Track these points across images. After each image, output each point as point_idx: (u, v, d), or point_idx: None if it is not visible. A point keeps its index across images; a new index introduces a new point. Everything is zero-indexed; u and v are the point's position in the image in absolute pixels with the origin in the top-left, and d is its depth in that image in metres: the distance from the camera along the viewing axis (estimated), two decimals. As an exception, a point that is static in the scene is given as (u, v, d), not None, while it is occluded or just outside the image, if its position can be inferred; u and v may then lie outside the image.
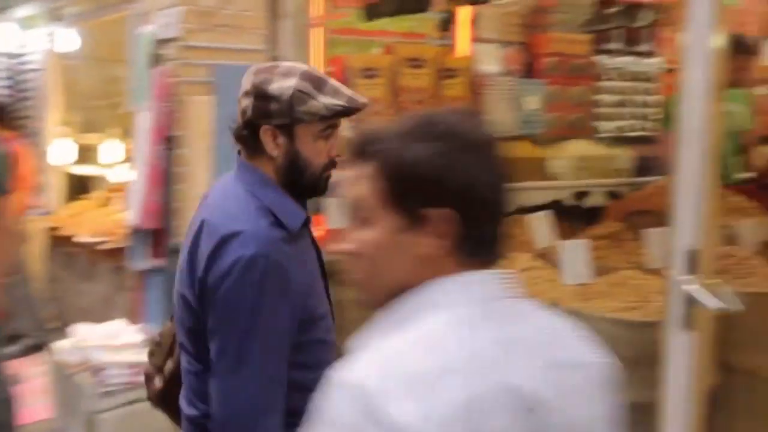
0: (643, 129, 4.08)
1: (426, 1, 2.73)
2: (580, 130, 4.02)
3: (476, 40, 3.72)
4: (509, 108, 3.73)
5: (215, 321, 1.34)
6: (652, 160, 3.96)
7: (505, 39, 3.80)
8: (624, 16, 2.18)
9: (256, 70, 1.42)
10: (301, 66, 1.43)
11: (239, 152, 1.46)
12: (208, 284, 1.32)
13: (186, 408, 1.46)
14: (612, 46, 3.99)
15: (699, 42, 1.83)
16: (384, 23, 3.92)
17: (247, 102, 1.40)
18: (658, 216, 2.78)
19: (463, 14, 3.66)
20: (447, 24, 2.86)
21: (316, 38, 3.34)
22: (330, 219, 3.21)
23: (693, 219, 1.91)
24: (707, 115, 1.83)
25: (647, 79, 4.07)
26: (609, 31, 3.98)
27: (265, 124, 1.38)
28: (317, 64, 3.34)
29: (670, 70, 4.16)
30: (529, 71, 3.86)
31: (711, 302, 1.93)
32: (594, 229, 2.91)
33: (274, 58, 3.27)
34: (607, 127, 4.05)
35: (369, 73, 3.46)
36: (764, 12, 4.62)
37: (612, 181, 3.94)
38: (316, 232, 1.60)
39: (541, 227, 2.85)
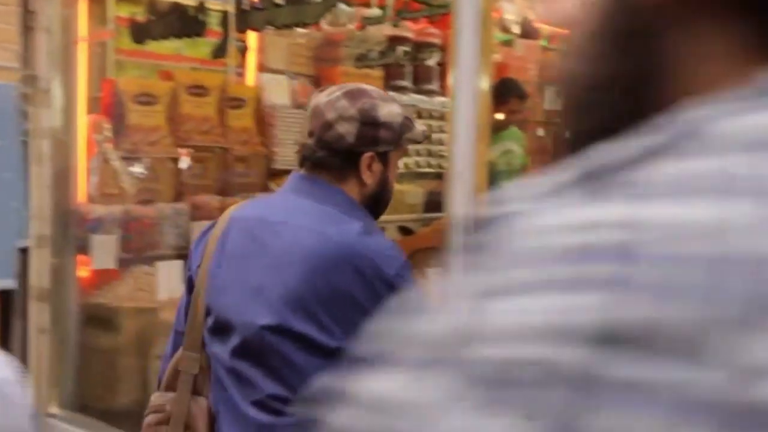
0: (433, 165, 4.14)
1: (200, 25, 2.52)
2: (374, 165, 3.98)
3: (264, 69, 3.55)
4: (300, 142, 3.59)
5: None
6: (441, 195, 4.03)
7: (294, 71, 3.67)
8: (413, 53, 2.16)
9: (348, 93, 1.35)
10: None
11: (305, 173, 1.38)
12: None
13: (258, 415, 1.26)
14: (402, 83, 4.01)
15: (466, 84, 1.81)
16: (178, 47, 3.64)
17: (348, 127, 1.32)
18: (441, 253, 2.78)
19: (250, 42, 3.48)
20: (222, 51, 2.67)
21: (82, 57, 2.99)
22: (95, 259, 2.89)
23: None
24: (475, 156, 1.81)
25: (437, 117, 4.14)
26: (401, 69, 4.00)
27: (369, 150, 1.34)
28: (82, 85, 2.99)
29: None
30: (321, 105, 3.76)
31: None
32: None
33: (30, 77, 2.88)
34: (398, 163, 4.05)
35: (145, 99, 3.15)
36: (542, 59, 4.95)
37: (404, 217, 3.94)
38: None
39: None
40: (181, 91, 3.21)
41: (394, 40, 3.65)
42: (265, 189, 3.49)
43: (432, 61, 3.53)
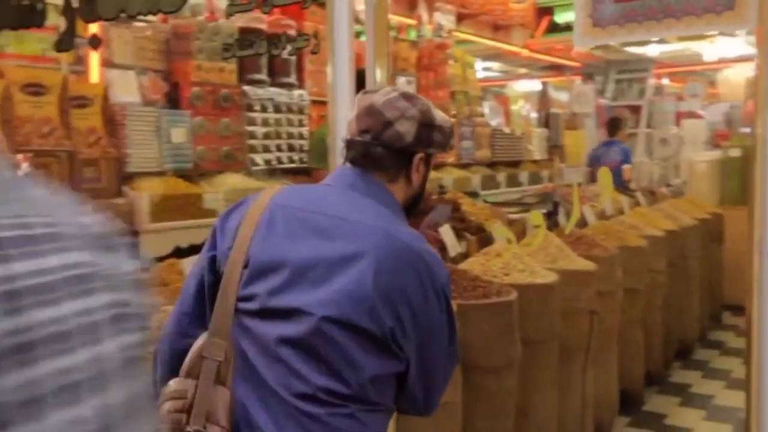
0: (295, 161, 4.06)
1: (39, 16, 2.26)
2: (233, 163, 3.83)
3: (109, 65, 3.30)
4: (153, 141, 3.38)
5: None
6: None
7: (143, 65, 3.44)
8: (266, 45, 2.07)
9: (404, 94, 1.40)
10: None
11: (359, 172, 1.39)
12: None
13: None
14: (258, 76, 3.89)
15: (342, 78, 1.77)
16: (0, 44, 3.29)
17: (408, 127, 1.37)
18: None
19: (92, 33, 3.21)
20: (66, 44, 2.43)
21: None
22: None
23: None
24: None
25: (297, 111, 4.07)
26: (256, 62, 3.88)
27: (422, 151, 1.39)
28: None
29: (315, 102, 4.23)
30: (173, 101, 3.56)
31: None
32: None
33: None
34: (260, 159, 3.93)
35: (-29, 100, 2.82)
36: (393, 50, 5.02)
37: (269, 215, 3.84)
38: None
39: (195, 274, 2.56)
40: (15, 91, 2.90)
41: (248, 32, 3.53)
42: (119, 194, 3.26)
43: (286, 53, 3.45)
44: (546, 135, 7.17)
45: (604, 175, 4.31)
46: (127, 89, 3.34)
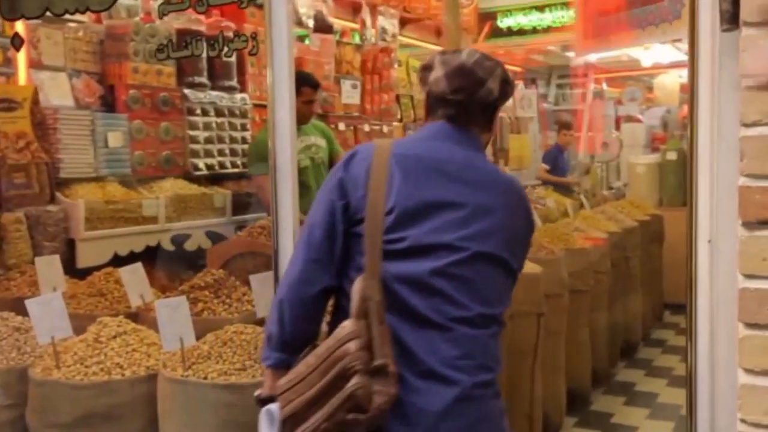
0: (238, 165, 3.96)
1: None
2: (174, 168, 3.72)
3: (38, 66, 3.15)
4: (88, 146, 3.24)
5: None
6: (249, 197, 3.87)
7: (75, 67, 3.30)
8: (203, 46, 2.00)
9: (484, 55, 1.59)
10: None
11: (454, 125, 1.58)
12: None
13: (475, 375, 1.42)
14: (199, 79, 3.78)
15: (282, 80, 1.72)
16: None
17: (495, 84, 1.57)
18: (264, 258, 2.64)
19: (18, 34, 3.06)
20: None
21: None
22: None
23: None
24: (294, 151, 1.73)
25: (239, 115, 3.97)
26: (196, 65, 3.78)
27: (501, 103, 1.61)
28: None
29: (257, 106, 4.14)
30: (109, 105, 3.42)
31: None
32: (194, 278, 2.63)
33: None
34: (201, 164, 3.82)
35: None
36: (337, 54, 4.97)
37: (211, 222, 3.73)
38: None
39: (133, 282, 2.46)
40: (-64, 94, 2.74)
41: (185, 33, 3.42)
42: (52, 201, 3.11)
43: (225, 56, 3.36)
44: (495, 138, 7.22)
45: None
46: (59, 92, 3.20)
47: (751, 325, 1.08)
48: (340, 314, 1.46)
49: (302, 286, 1.49)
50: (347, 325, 1.39)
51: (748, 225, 1.08)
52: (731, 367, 1.19)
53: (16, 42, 2.35)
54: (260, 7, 3.15)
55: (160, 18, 1.99)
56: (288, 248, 1.76)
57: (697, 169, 1.41)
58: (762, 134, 1.05)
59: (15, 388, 2.17)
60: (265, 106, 4.17)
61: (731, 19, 1.17)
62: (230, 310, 2.47)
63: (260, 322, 2.15)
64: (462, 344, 1.40)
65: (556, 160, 7.04)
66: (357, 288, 1.41)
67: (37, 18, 2.14)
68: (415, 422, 1.39)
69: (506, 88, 1.60)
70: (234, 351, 2.01)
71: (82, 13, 1.95)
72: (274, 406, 1.46)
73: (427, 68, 1.62)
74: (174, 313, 1.96)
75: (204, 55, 3.43)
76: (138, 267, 2.51)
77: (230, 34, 1.99)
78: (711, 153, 1.37)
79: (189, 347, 2.02)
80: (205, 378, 1.93)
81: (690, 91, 1.48)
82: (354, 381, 1.34)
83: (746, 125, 1.06)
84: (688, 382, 1.44)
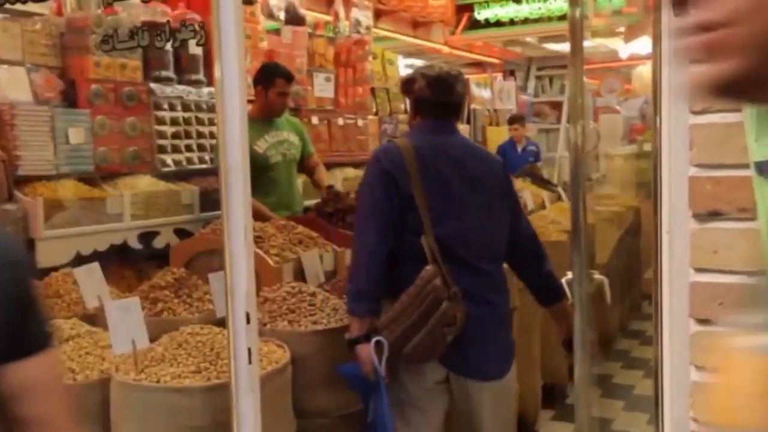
0: (206, 161, 3.88)
1: None
2: (141, 164, 3.63)
3: (-6, 60, 3.05)
4: (48, 142, 3.15)
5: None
6: (217, 193, 3.79)
7: (33, 61, 3.20)
8: (148, 36, 1.93)
9: (449, 68, 2.35)
10: None
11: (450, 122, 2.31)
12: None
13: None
14: (165, 73, 3.69)
15: (232, 75, 1.65)
16: None
17: (461, 88, 2.29)
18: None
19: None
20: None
21: None
22: None
23: (245, 258, 1.70)
24: (245, 149, 1.67)
25: (206, 109, 3.89)
26: (162, 58, 3.69)
27: (465, 102, 2.53)
28: None
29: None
30: (70, 100, 3.33)
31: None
32: (154, 278, 2.56)
33: None
34: (169, 160, 3.74)
35: None
36: (309, 46, 4.89)
37: (179, 219, 3.65)
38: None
39: (88, 282, 2.38)
40: None
41: (150, 26, 3.33)
42: (10, 199, 3.02)
43: (172, 45, 3.27)
44: (468, 131, 7.18)
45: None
46: (16, 87, 3.10)
47: (701, 321, 1.04)
48: (406, 264, 2.08)
49: (380, 248, 2.07)
50: (429, 269, 2.03)
51: (699, 217, 1.04)
52: (686, 364, 1.14)
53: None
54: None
55: (105, 7, 1.92)
56: (239, 248, 1.69)
57: (660, 158, 1.37)
58: (711, 122, 1.00)
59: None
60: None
61: (679, 1, 1.12)
62: (191, 309, 2.41)
63: (220, 322, 2.08)
64: (488, 279, 2.16)
65: (505, 155, 7.02)
66: (425, 243, 2.05)
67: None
68: (481, 326, 2.09)
69: (466, 89, 2.26)
70: (189, 353, 1.94)
71: (24, 2, 1.87)
72: (380, 337, 2.03)
73: (411, 81, 2.26)
74: (125, 315, 1.90)
75: (168, 47, 3.35)
76: (95, 267, 2.44)
77: (177, 25, 1.92)
78: (669, 141, 1.33)
79: (143, 350, 1.96)
80: (158, 381, 1.86)
81: (653, 79, 1.44)
82: (444, 305, 2.01)
83: (695, 113, 1.02)
84: (655, 377, 1.40)
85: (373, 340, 2.02)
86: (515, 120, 7.23)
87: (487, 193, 2.20)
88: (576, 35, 1.88)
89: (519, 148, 7.11)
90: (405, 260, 2.09)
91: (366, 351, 2.03)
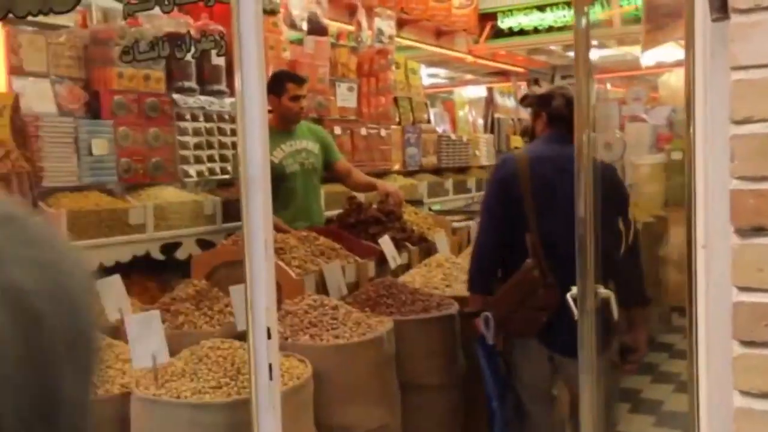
0: (229, 172, 3.87)
1: None
2: (164, 175, 3.63)
3: (19, 73, 3.07)
4: (71, 154, 3.15)
5: None
6: (239, 203, 3.77)
7: (58, 74, 3.21)
8: (169, 47, 1.92)
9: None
10: None
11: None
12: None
13: None
14: (188, 84, 3.69)
15: (252, 85, 1.62)
16: None
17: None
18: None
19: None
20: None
21: None
22: None
23: (265, 272, 1.67)
24: (266, 160, 1.64)
25: (228, 120, 3.88)
26: (184, 69, 3.69)
27: None
28: None
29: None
30: (94, 111, 3.34)
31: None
32: (175, 290, 2.54)
33: None
34: (192, 170, 3.73)
35: None
36: (332, 56, 4.88)
37: (202, 230, 3.64)
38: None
39: (110, 295, 2.37)
40: None
41: (171, 37, 3.32)
42: (35, 210, 3.02)
43: (192, 56, 3.26)
44: (492, 140, 7.12)
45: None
46: (41, 99, 3.11)
47: (747, 343, 0.98)
48: (514, 256, 2.47)
49: (496, 242, 2.53)
50: (528, 263, 2.43)
51: (741, 232, 0.98)
52: (727, 387, 1.08)
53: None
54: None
55: (124, 18, 1.91)
56: (260, 262, 1.66)
57: (694, 168, 1.31)
58: (753, 133, 0.94)
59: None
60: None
61: (721, 6, 1.07)
62: (212, 322, 2.38)
63: (242, 335, 2.05)
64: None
65: None
66: (528, 240, 2.43)
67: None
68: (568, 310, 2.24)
69: None
70: (209, 368, 1.91)
71: (45, 14, 1.87)
72: (488, 314, 2.47)
73: (549, 97, 2.68)
74: (145, 329, 1.87)
75: (188, 57, 3.35)
76: (116, 279, 2.42)
77: (197, 35, 1.90)
78: (704, 152, 1.27)
79: (163, 364, 1.93)
80: (178, 397, 1.84)
81: (686, 87, 1.38)
82: (540, 292, 2.41)
83: (736, 122, 0.96)
84: (690, 402, 1.34)
85: (482, 315, 2.48)
86: (524, 132, 7.17)
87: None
88: (580, 45, 1.82)
89: None
90: (514, 253, 2.48)
91: (478, 323, 2.51)
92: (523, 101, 3.20)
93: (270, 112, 3.67)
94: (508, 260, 2.54)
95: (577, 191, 1.95)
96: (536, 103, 2.73)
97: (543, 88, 2.95)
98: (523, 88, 8.89)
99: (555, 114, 2.61)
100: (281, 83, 3.74)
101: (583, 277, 1.84)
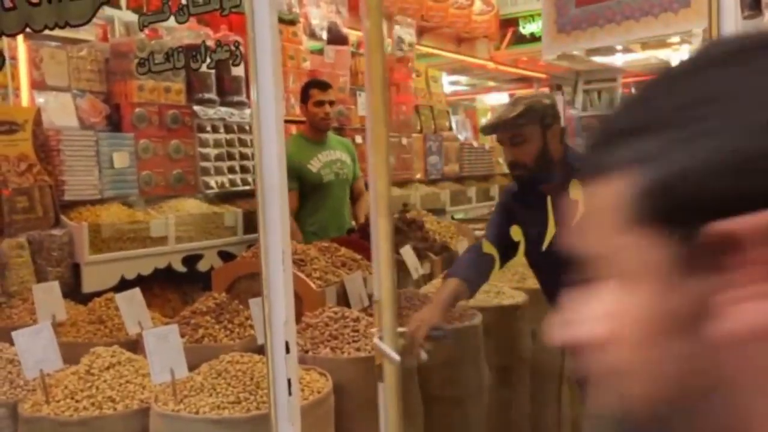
0: (249, 183, 3.86)
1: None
2: (185, 186, 3.63)
3: (41, 87, 3.09)
4: (93, 167, 3.16)
5: None
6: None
7: (79, 87, 3.23)
8: (184, 58, 1.91)
9: None
10: None
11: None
12: None
13: None
14: (208, 95, 3.69)
15: (267, 96, 1.60)
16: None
17: None
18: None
19: (21, 54, 3.01)
20: None
21: None
22: None
23: (283, 285, 1.64)
24: (282, 170, 1.61)
25: (248, 130, 3.88)
26: (204, 80, 3.69)
27: None
28: None
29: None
30: (115, 124, 3.35)
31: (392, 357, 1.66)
32: (196, 302, 2.51)
33: None
34: (213, 182, 3.73)
35: None
36: (352, 65, 4.86)
37: (223, 241, 3.63)
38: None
39: (130, 308, 2.35)
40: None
41: (186, 48, 3.32)
42: (56, 224, 3.03)
43: (208, 67, 3.26)
44: (515, 147, 7.05)
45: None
46: (63, 112, 3.13)
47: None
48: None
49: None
50: None
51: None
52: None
53: (-1, 60, 2.29)
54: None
55: (141, 30, 1.90)
56: (277, 275, 1.63)
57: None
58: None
59: (8, 425, 2.07)
60: (298, 122, 4.09)
61: (753, 3, 1.01)
62: (232, 336, 2.35)
63: (262, 349, 2.02)
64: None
65: None
66: None
67: (16, 35, 2.07)
68: None
69: None
70: (228, 382, 1.88)
71: (62, 28, 1.87)
72: None
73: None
74: (163, 343, 1.85)
75: (211, 69, 3.35)
76: (136, 293, 2.41)
77: (213, 46, 1.88)
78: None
79: (182, 379, 1.91)
80: (197, 412, 1.80)
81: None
82: None
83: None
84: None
85: None
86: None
87: None
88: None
89: None
90: None
91: None
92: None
93: (288, 122, 3.68)
94: None
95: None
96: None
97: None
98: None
99: None
100: (306, 90, 3.82)
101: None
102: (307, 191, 3.74)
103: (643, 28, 2.15)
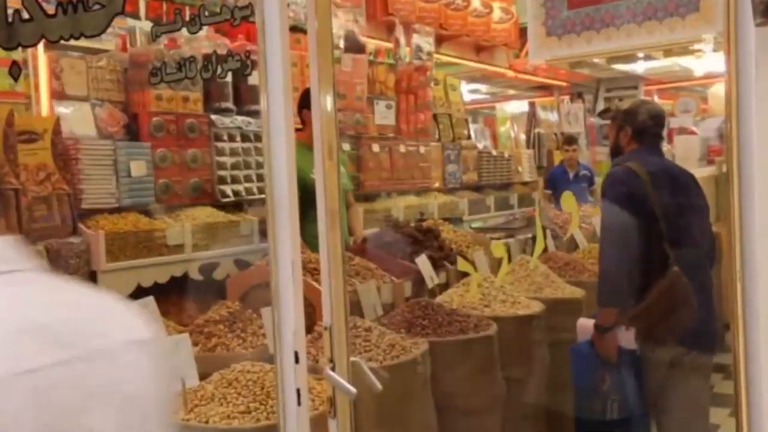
0: (264, 191, 3.86)
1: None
2: (202, 195, 3.65)
3: (60, 97, 3.12)
4: (110, 176, 3.19)
5: None
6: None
7: (98, 97, 3.26)
8: (197, 67, 1.93)
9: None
10: None
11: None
12: None
13: None
14: (225, 104, 3.72)
15: (278, 106, 1.60)
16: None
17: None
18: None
19: (42, 65, 3.05)
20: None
21: None
22: None
23: (292, 295, 1.63)
24: (292, 180, 1.61)
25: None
26: (221, 89, 3.72)
27: None
28: None
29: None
30: (133, 133, 3.37)
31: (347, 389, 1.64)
32: (209, 311, 2.52)
33: None
34: (229, 190, 3.74)
35: None
36: (370, 74, 4.86)
37: (239, 250, 3.64)
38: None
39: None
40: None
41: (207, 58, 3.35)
42: (74, 233, 3.06)
43: (219, 77, 3.27)
44: (533, 155, 7.01)
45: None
46: (82, 122, 3.16)
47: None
48: (649, 266, 2.58)
49: (632, 255, 2.57)
50: (676, 270, 2.54)
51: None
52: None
53: (15, 71, 2.32)
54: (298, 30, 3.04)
55: (153, 40, 1.92)
56: (287, 284, 1.62)
57: (739, 182, 1.24)
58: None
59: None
60: (297, 129, 4.08)
61: (765, 10, 0.99)
62: (245, 344, 2.35)
63: (273, 359, 2.02)
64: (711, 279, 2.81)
65: (556, 181, 6.69)
66: (667, 249, 2.53)
67: (33, 45, 2.10)
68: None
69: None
70: (239, 392, 1.88)
71: (77, 39, 1.89)
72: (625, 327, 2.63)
73: (635, 112, 2.78)
74: (174, 352, 1.85)
75: (222, 78, 3.37)
76: (150, 301, 2.41)
77: (224, 55, 1.89)
78: (759, 162, 1.19)
79: (192, 388, 1.91)
80: (207, 422, 1.80)
81: (726, 96, 1.30)
82: (692, 297, 2.57)
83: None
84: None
85: (621, 328, 2.60)
86: (573, 140, 7.01)
87: (695, 201, 2.71)
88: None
89: (571, 174, 6.83)
90: (647, 263, 2.56)
91: (613, 337, 2.61)
92: (605, 114, 3.44)
93: (300, 129, 3.66)
94: (642, 274, 2.61)
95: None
96: (621, 117, 2.82)
97: (625, 102, 3.13)
98: (566, 102, 8.75)
99: (641, 128, 2.74)
100: (306, 96, 3.75)
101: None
102: (308, 200, 3.71)
103: (646, 33, 2.06)
